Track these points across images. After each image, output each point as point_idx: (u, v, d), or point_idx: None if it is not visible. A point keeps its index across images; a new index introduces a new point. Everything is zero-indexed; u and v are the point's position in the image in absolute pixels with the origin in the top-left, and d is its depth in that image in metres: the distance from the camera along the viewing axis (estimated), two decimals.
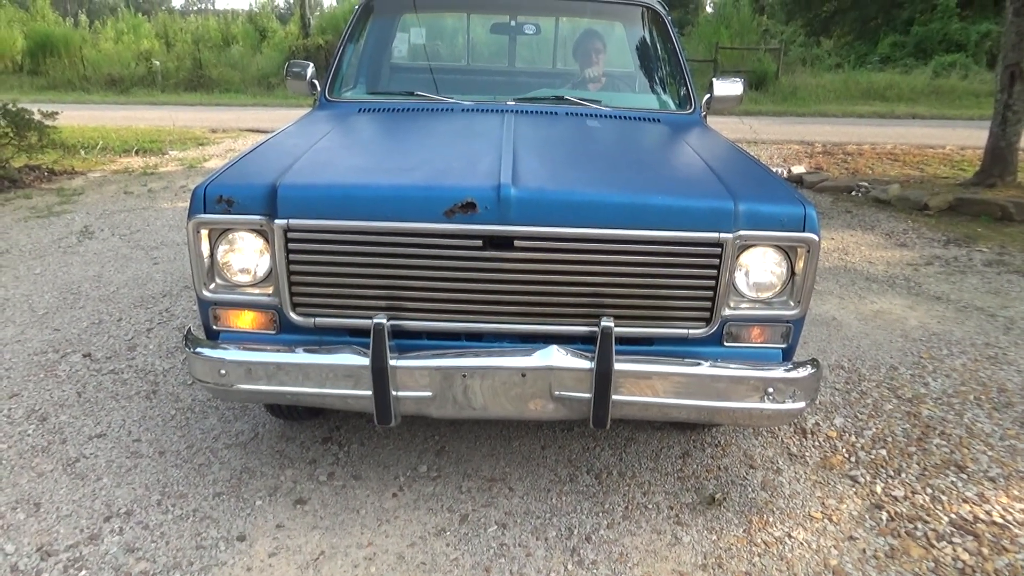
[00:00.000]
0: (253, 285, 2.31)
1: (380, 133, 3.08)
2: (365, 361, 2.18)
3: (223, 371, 2.26)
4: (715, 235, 2.15)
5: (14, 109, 7.54)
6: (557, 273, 2.18)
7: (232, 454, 2.80)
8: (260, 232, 2.23)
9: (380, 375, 2.16)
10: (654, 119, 3.36)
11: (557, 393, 2.23)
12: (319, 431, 2.95)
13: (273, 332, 2.35)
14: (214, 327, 2.36)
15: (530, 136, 2.76)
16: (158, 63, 19.79)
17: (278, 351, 2.26)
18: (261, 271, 2.28)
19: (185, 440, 2.89)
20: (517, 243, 2.16)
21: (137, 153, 9.62)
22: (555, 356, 2.21)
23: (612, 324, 2.15)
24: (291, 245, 2.19)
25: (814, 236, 2.19)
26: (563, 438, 2.94)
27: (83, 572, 2.20)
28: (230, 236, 2.25)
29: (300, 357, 2.23)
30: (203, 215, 2.20)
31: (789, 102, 17.08)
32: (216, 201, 2.20)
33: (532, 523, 2.44)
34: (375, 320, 2.15)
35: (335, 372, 2.22)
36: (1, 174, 7.39)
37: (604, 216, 2.14)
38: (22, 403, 3.17)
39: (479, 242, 2.16)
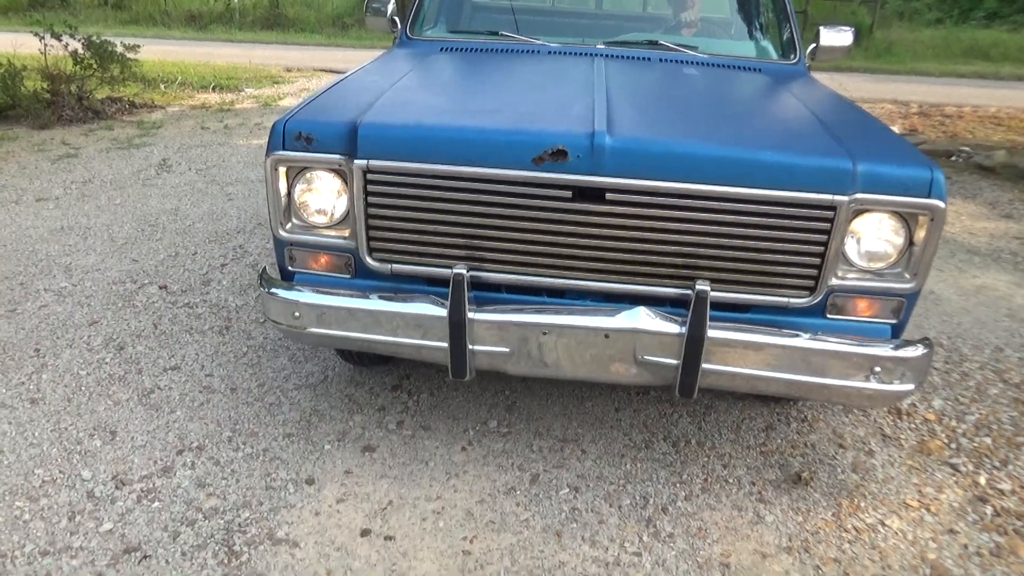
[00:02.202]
0: (329, 227, 2.23)
1: (462, 73, 2.94)
2: (442, 312, 2.09)
3: (297, 313, 2.20)
4: (829, 197, 1.96)
5: (98, 41, 7.63)
6: (650, 230, 2.03)
7: (302, 396, 2.77)
8: (338, 172, 2.14)
9: (457, 328, 2.07)
10: (754, 68, 3.11)
11: (641, 357, 2.10)
12: (388, 378, 2.90)
13: (348, 276, 2.27)
14: (289, 268, 2.30)
15: (622, 82, 2.57)
16: (236, 0, 19.90)
17: (353, 296, 2.19)
18: (338, 213, 2.20)
19: (256, 378, 2.88)
20: (609, 196, 2.01)
21: (214, 89, 9.68)
22: (642, 318, 2.08)
23: (708, 288, 2.00)
24: (370, 187, 2.09)
25: (940, 203, 1.97)
26: (638, 402, 2.81)
27: (156, 503, 2.20)
28: (308, 175, 2.17)
29: (375, 304, 2.15)
30: (281, 152, 2.12)
31: (883, 59, 16.09)
32: (295, 138, 2.11)
33: (605, 489, 2.35)
34: (455, 270, 2.04)
35: (410, 321, 2.14)
36: (85, 105, 7.53)
37: (707, 171, 1.97)
38: (101, 331, 3.21)
39: (568, 193, 2.02)
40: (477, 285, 2.17)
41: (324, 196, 2.19)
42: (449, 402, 2.77)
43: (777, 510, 2.28)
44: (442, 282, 2.17)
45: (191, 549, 2.04)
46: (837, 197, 1.96)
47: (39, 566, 1.97)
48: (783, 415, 2.77)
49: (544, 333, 2.11)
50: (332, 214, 2.21)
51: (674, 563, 2.06)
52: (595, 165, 1.98)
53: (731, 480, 2.41)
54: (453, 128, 2.06)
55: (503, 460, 2.46)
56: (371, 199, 2.10)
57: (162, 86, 9.42)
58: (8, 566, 1.97)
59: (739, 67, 3.10)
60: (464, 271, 2.04)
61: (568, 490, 2.33)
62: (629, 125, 2.07)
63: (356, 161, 2.06)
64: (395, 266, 2.18)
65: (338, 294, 2.19)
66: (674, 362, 2.09)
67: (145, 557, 2.01)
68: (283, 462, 2.41)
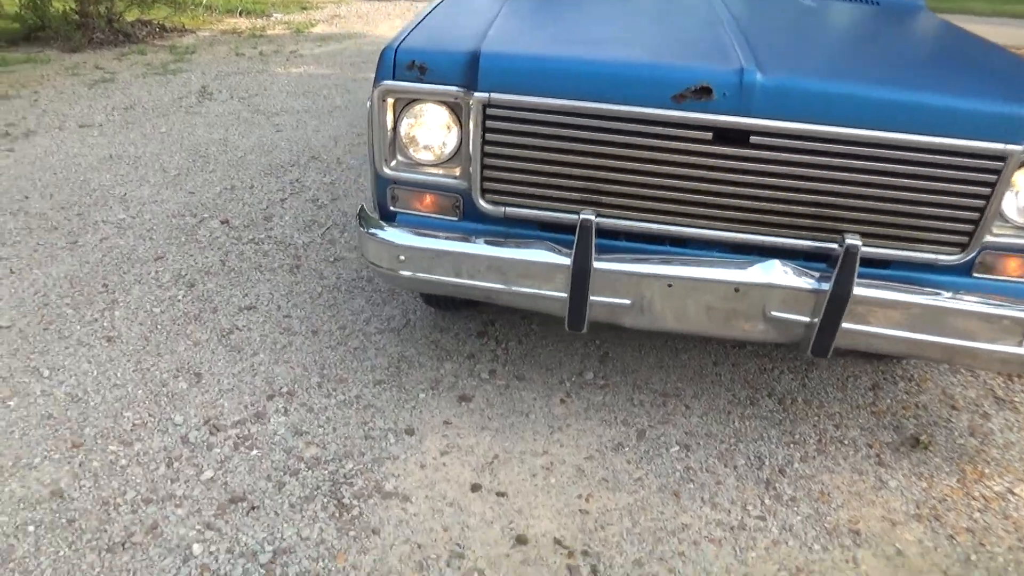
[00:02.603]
0: (437, 165, 2.07)
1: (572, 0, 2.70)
2: (564, 260, 1.95)
3: (401, 257, 2.07)
4: (1000, 147, 1.78)
5: None
6: (797, 178, 1.86)
7: (386, 340, 2.66)
8: (451, 106, 1.97)
9: (581, 277, 1.93)
10: (871, 1, 2.88)
11: (772, 314, 1.97)
12: (472, 324, 2.78)
13: (455, 219, 2.12)
14: (391, 208, 2.15)
15: (747, 16, 2.36)
16: None
17: (465, 241, 2.04)
18: (447, 150, 2.04)
19: (336, 320, 2.76)
20: (754, 139, 1.84)
21: (241, 14, 9.34)
22: (778, 272, 1.93)
23: (859, 243, 1.84)
24: (489, 123, 1.92)
25: None
26: (735, 355, 2.69)
27: (254, 451, 2.12)
28: (416, 108, 2.00)
29: (491, 250, 2.01)
30: (391, 82, 1.95)
31: (1010, 0, 15.28)
32: (407, 67, 1.93)
33: (717, 447, 2.24)
34: (582, 216, 1.89)
35: (528, 270, 2.00)
36: (116, 27, 7.26)
37: (866, 115, 1.79)
38: (167, 267, 3.09)
39: (708, 135, 1.85)
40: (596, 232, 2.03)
41: (433, 131, 2.03)
42: (539, 351, 2.65)
43: (899, 475, 2.18)
44: (557, 227, 2.04)
45: (299, 501, 1.96)
46: (1009, 147, 1.78)
47: (144, 514, 1.90)
48: (888, 373, 2.65)
49: (669, 285, 1.97)
50: (441, 151, 2.05)
51: (801, 528, 1.97)
52: (742, 105, 1.81)
53: (846, 442, 2.30)
54: (585, 61, 1.88)
55: (605, 414, 2.36)
56: (489, 136, 1.93)
57: (191, 8, 9.08)
58: (112, 513, 1.89)
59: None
60: (592, 217, 1.89)
61: (679, 448, 2.23)
62: (780, 62, 1.89)
63: (476, 94, 1.88)
64: (509, 209, 2.03)
65: (447, 238, 2.05)
66: (806, 319, 1.96)
67: (253, 508, 1.93)
68: (378, 410, 2.31)
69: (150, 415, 2.24)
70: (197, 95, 5.60)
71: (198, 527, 1.86)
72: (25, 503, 1.91)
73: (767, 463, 2.19)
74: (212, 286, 2.96)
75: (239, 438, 2.16)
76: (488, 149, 1.95)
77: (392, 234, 2.08)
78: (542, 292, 2.04)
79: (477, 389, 2.44)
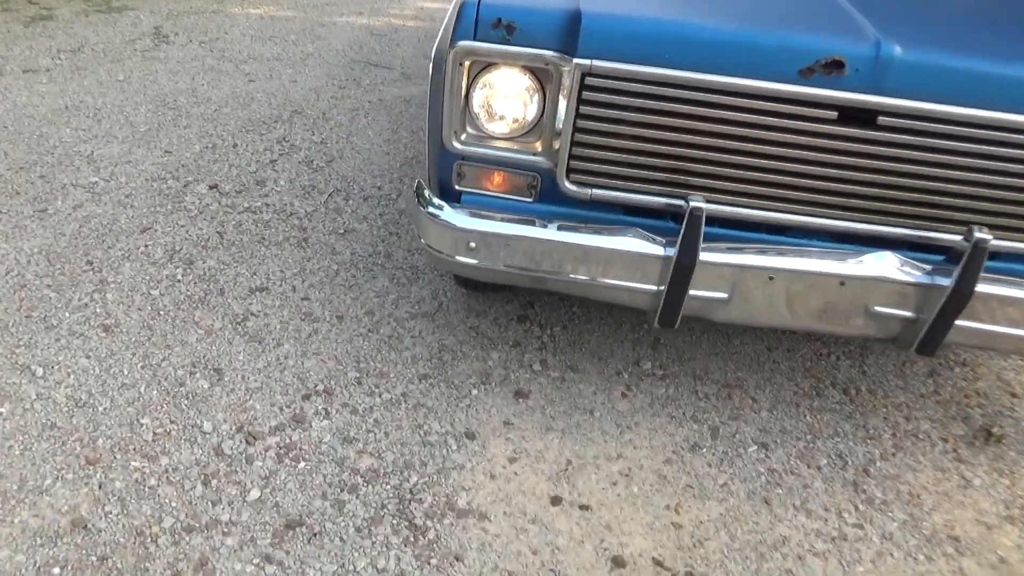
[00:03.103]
0: (512, 138, 1.82)
1: None
2: (660, 251, 1.75)
3: (472, 243, 1.83)
4: None
5: None
6: (927, 164, 1.69)
7: (421, 326, 2.42)
8: (535, 72, 1.72)
9: (684, 271, 1.73)
10: None
11: (874, 309, 1.82)
12: (510, 307, 2.56)
13: (530, 200, 1.89)
14: (456, 186, 1.90)
15: None
16: None
17: (545, 226, 1.81)
18: (527, 122, 1.79)
19: (361, 304, 2.50)
20: (882, 120, 1.65)
21: None
22: (891, 265, 1.78)
23: (990, 237, 1.69)
24: (586, 94, 1.67)
25: None
26: (788, 340, 2.56)
27: (301, 464, 1.87)
28: (494, 73, 1.74)
29: (581, 238, 1.79)
30: (472, 42, 1.68)
31: None
32: (493, 25, 1.66)
33: (795, 445, 2.11)
34: (692, 203, 1.68)
35: (620, 260, 1.79)
36: None
37: (1012, 98, 1.62)
38: (158, 240, 2.74)
39: (833, 114, 1.65)
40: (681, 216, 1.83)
41: (512, 100, 1.77)
42: (587, 337, 2.46)
43: (980, 472, 2.10)
44: (643, 212, 1.83)
45: (365, 524, 1.73)
46: None
47: (188, 547, 1.64)
48: (942, 358, 2.57)
49: (771, 278, 1.80)
50: (519, 123, 1.80)
51: (901, 537, 1.86)
52: (874, 82, 1.61)
53: (920, 436, 2.20)
54: (705, 28, 1.64)
55: (672, 409, 2.19)
56: (584, 109, 1.69)
57: None
58: (150, 547, 1.63)
59: None
60: (703, 204, 1.68)
61: (756, 447, 2.09)
62: (916, 35, 1.69)
63: (576, 60, 1.63)
64: (596, 191, 1.81)
65: (523, 222, 1.81)
66: (910, 315, 1.82)
67: (314, 535, 1.70)
68: (431, 411, 2.09)
69: (172, 421, 1.96)
70: (152, 37, 5.07)
71: (256, 561, 1.62)
72: (43, 537, 1.63)
73: (849, 462, 2.07)
74: (213, 263, 2.64)
75: (281, 448, 1.91)
76: (581, 124, 1.71)
77: (460, 217, 1.83)
78: (630, 285, 1.84)
79: (531, 383, 2.23)
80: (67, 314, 2.31)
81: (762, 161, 1.71)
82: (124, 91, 4.07)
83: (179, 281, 2.52)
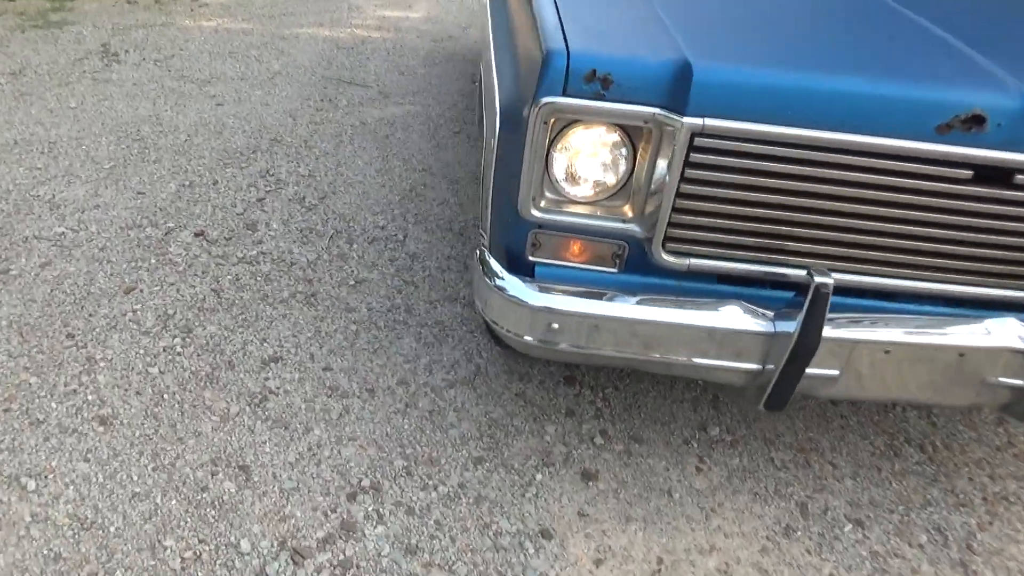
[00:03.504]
0: (593, 203, 1.59)
1: None
2: (772, 327, 1.55)
3: (555, 325, 1.59)
4: None
5: None
6: None
7: (462, 396, 2.17)
8: (625, 128, 1.50)
9: (804, 352, 1.53)
10: None
11: (991, 379, 1.66)
12: (554, 367, 2.33)
13: (614, 271, 1.67)
14: (530, 257, 1.66)
15: (955, 19, 1.95)
16: None
17: (642, 304, 1.59)
18: (611, 184, 1.57)
19: (391, 372, 2.23)
20: (1019, 178, 1.49)
21: None
22: (1016, 334, 1.62)
23: None
24: (694, 156, 1.46)
25: None
26: None
27: None
28: (578, 131, 1.51)
29: (687, 316, 1.58)
30: (560, 99, 1.44)
31: None
32: (586, 79, 1.43)
33: (889, 520, 1.94)
34: (818, 278, 1.48)
35: (723, 338, 1.58)
36: None
37: None
38: (145, 302, 2.41)
39: (968, 173, 1.48)
40: (780, 284, 1.64)
41: (597, 161, 1.55)
42: (643, 399, 2.24)
43: None
44: (743, 280, 1.64)
45: None
46: None
47: None
48: None
49: (887, 352, 1.62)
50: (604, 186, 1.57)
51: None
52: (1014, 137, 1.45)
53: (1010, 498, 2.06)
54: (830, 81, 1.44)
55: (753, 483, 2.00)
56: (690, 173, 1.47)
57: None
58: None
59: None
60: (828, 280, 1.48)
61: (851, 526, 1.91)
62: None
63: (685, 119, 1.41)
64: (694, 260, 1.59)
65: (620, 301, 1.59)
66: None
67: None
68: (495, 504, 1.84)
69: (201, 540, 1.66)
70: (100, 56, 4.64)
71: None
72: None
73: (950, 537, 1.91)
74: (215, 329, 2.33)
75: (336, 567, 1.64)
76: (686, 188, 1.49)
77: (541, 295, 1.59)
78: (728, 364, 1.63)
79: (596, 460, 2.01)
80: (54, 404, 1.97)
81: (887, 225, 1.53)
82: (79, 120, 3.67)
83: (179, 354, 2.20)
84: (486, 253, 1.69)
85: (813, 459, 2.11)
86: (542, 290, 1.60)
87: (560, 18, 1.59)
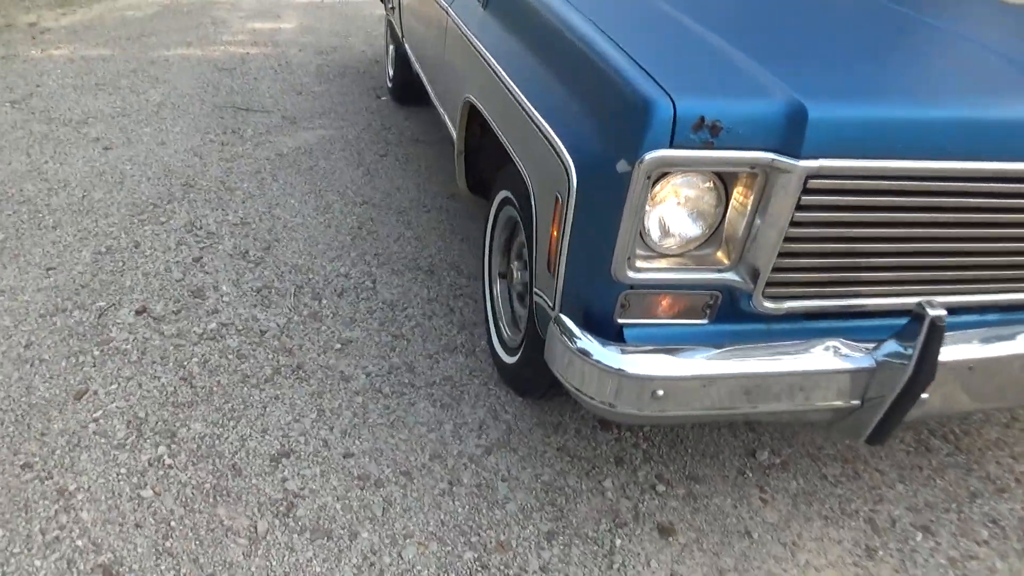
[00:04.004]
0: (681, 254, 1.47)
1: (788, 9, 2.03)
2: (872, 362, 1.50)
3: (659, 392, 1.46)
4: None
5: None
6: None
7: (505, 463, 1.99)
8: (720, 175, 1.39)
9: (919, 383, 1.49)
10: None
11: None
12: (581, 410, 2.20)
13: (704, 322, 1.55)
14: (619, 320, 1.51)
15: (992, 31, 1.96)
16: None
17: (748, 356, 1.49)
18: (690, 234, 1.45)
19: (420, 448, 2.01)
20: None
21: None
22: None
23: None
24: (805, 199, 1.37)
25: None
26: None
27: None
28: (675, 180, 1.38)
29: (795, 363, 1.49)
30: (667, 151, 1.30)
31: None
32: (694, 128, 1.30)
33: (950, 520, 1.97)
34: (932, 311, 1.43)
35: (823, 379, 1.51)
36: None
37: None
38: (106, 408, 2.05)
39: None
40: (857, 314, 1.60)
41: (685, 211, 1.42)
42: (682, 432, 2.16)
43: None
44: (828, 315, 1.58)
45: None
46: None
47: None
48: None
49: (970, 369, 1.62)
50: (694, 237, 1.45)
51: None
52: None
53: None
54: (947, 110, 1.39)
55: (818, 506, 1.97)
56: (800, 215, 1.38)
57: None
58: None
59: None
60: (942, 312, 1.44)
61: (921, 534, 1.92)
62: None
63: (801, 162, 1.31)
64: (791, 303, 1.51)
65: (729, 356, 1.48)
66: None
67: None
68: None
69: None
70: None
71: None
72: None
73: (1006, 527, 1.96)
74: (201, 427, 2.01)
75: None
76: (793, 232, 1.40)
77: (640, 361, 1.45)
78: (824, 404, 1.57)
79: (665, 510, 1.90)
80: (37, 562, 1.62)
81: (1002, 244, 1.52)
82: None
83: (170, 467, 1.88)
84: (566, 321, 1.52)
85: (860, 468, 2.10)
86: (640, 355, 1.45)
87: (632, 56, 1.44)
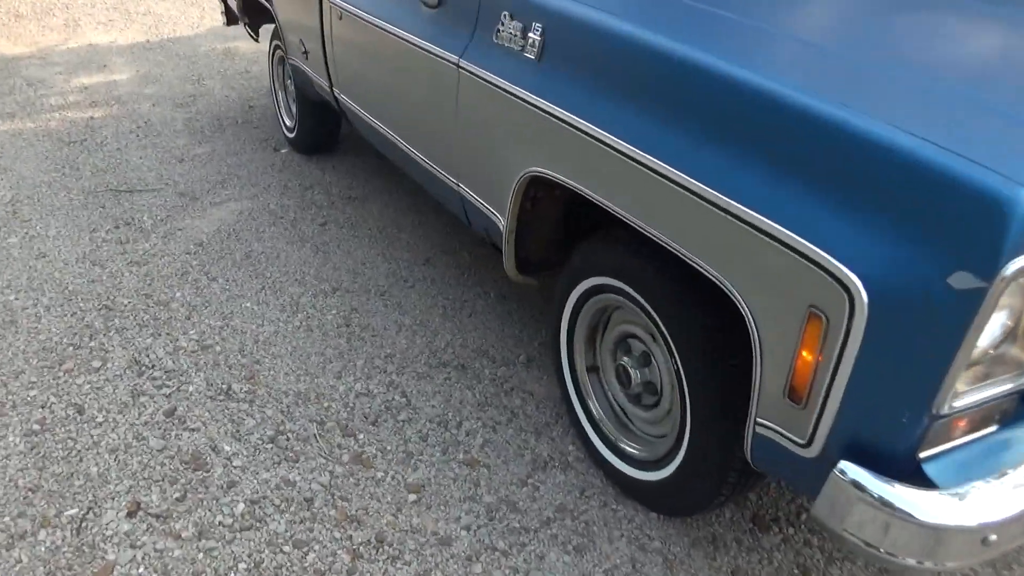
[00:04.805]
0: (979, 362, 1.20)
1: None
2: None
3: (993, 537, 1.18)
4: None
5: None
6: None
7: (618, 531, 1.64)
8: None
9: None
10: None
11: None
12: (728, 510, 1.89)
13: (993, 430, 1.29)
14: (920, 455, 1.21)
15: None
16: None
17: None
18: (996, 335, 1.19)
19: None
20: None
21: None
22: None
23: None
24: None
25: None
26: None
27: None
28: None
29: None
30: None
31: None
32: None
33: None
34: None
35: None
36: None
37: None
38: None
39: None
40: None
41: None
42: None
43: None
44: None
45: None
46: None
47: None
48: None
49: None
50: (994, 340, 1.18)
51: None
52: None
53: None
54: None
55: None
56: None
57: None
58: None
59: None
60: None
61: None
62: None
63: None
64: None
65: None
66: None
67: None
68: None
69: None
70: None
71: None
72: None
73: None
74: None
75: None
76: None
77: (970, 509, 1.16)
78: None
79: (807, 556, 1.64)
80: None
81: None
82: None
83: None
84: (858, 471, 1.19)
85: None
86: (966, 502, 1.16)
87: (905, 129, 1.12)
